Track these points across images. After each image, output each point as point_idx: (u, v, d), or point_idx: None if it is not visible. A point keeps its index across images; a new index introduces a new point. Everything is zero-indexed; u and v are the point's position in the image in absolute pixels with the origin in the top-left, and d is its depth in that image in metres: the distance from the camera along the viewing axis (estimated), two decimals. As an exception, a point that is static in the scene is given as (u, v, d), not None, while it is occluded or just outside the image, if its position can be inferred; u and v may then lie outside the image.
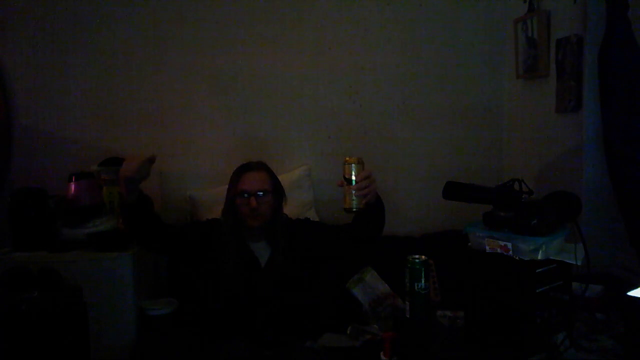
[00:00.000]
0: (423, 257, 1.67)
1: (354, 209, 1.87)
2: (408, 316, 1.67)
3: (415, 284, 1.65)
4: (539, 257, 1.62)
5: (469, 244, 1.77)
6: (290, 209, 2.32)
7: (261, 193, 2.09)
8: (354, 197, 1.85)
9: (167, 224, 2.12)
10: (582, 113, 2.19)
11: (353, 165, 1.86)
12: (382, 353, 1.63)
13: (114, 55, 2.68)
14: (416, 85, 2.82)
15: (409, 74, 2.81)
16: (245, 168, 2.14)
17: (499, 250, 1.67)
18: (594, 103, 2.12)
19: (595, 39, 2.07)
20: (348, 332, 2.03)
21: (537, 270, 1.63)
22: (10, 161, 2.66)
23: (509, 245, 1.64)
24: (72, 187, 2.40)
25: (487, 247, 1.70)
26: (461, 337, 1.80)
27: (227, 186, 2.17)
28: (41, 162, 2.66)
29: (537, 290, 1.63)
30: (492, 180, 1.94)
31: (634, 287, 1.68)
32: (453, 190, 1.79)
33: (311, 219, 2.35)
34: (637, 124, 1.99)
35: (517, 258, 1.63)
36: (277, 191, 2.16)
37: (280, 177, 2.23)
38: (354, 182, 1.85)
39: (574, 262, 1.66)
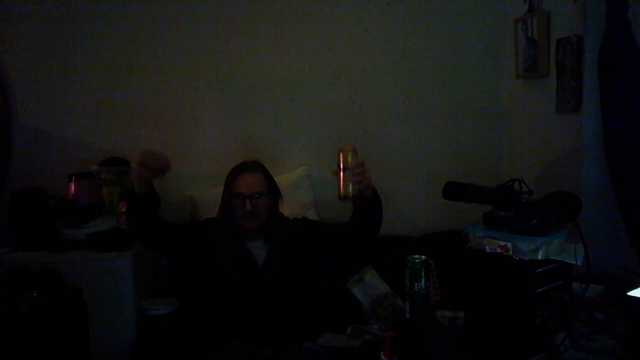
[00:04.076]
0: (423, 257, 1.67)
1: (349, 196, 1.92)
2: (408, 316, 1.67)
3: (415, 284, 1.65)
4: (539, 257, 1.62)
5: (469, 244, 1.77)
6: (290, 209, 2.32)
7: (256, 195, 2.08)
8: (348, 184, 1.90)
9: (167, 223, 2.13)
10: (582, 113, 2.19)
11: (347, 153, 1.92)
12: (382, 353, 1.63)
13: (115, 55, 2.68)
14: (416, 85, 2.82)
15: (409, 74, 2.81)
16: (240, 169, 2.13)
17: (499, 250, 1.67)
18: (594, 103, 2.12)
19: (595, 39, 2.07)
20: (348, 332, 2.03)
21: (537, 270, 1.63)
22: (10, 161, 2.66)
23: (509, 245, 1.64)
24: (72, 187, 2.40)
25: (487, 247, 1.69)
26: (461, 336, 1.80)
27: (226, 186, 2.17)
28: (41, 162, 2.66)
29: (537, 290, 1.63)
30: (492, 180, 1.93)
31: (634, 287, 1.68)
32: (453, 190, 1.79)
33: (309, 218, 2.35)
34: (637, 124, 1.99)
35: (517, 258, 1.63)
36: (273, 192, 2.15)
37: (280, 177, 2.23)
38: (347, 170, 1.90)
39: (574, 262, 1.66)
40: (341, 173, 1.91)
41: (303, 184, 2.71)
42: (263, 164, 2.20)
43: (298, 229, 2.20)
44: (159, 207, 2.07)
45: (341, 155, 1.92)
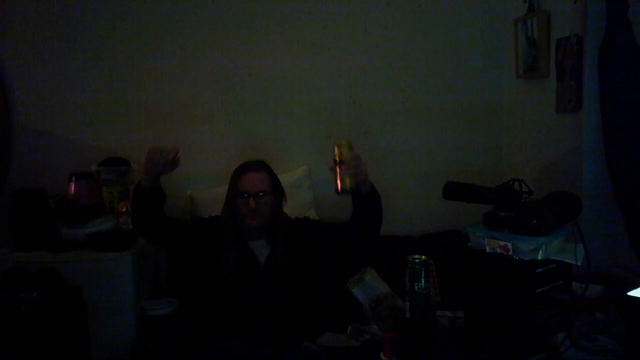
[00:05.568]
0: (423, 257, 1.67)
1: (347, 189, 1.93)
2: (408, 316, 1.67)
3: (415, 284, 1.65)
4: (539, 257, 1.62)
5: (469, 244, 1.77)
6: (290, 209, 2.32)
7: (260, 194, 2.09)
8: (345, 178, 1.92)
9: (171, 218, 2.13)
10: (582, 113, 2.19)
11: (342, 147, 1.94)
12: (382, 353, 1.63)
13: (115, 55, 2.68)
14: (416, 85, 2.82)
15: (408, 73, 2.81)
16: (245, 168, 2.14)
17: (499, 250, 1.67)
18: (594, 103, 2.12)
19: (595, 39, 2.07)
20: (348, 332, 2.03)
21: (537, 270, 1.63)
22: (10, 161, 2.66)
23: (509, 245, 1.64)
24: (72, 187, 2.40)
25: (487, 247, 1.69)
26: (461, 337, 1.80)
27: (227, 186, 2.18)
28: (41, 162, 2.66)
29: (537, 290, 1.63)
30: (492, 180, 1.93)
31: (634, 287, 1.68)
32: (453, 190, 1.79)
33: (311, 218, 2.35)
34: (637, 124, 1.99)
35: (517, 258, 1.63)
36: (277, 191, 2.16)
37: (280, 177, 2.23)
38: (343, 163, 1.92)
39: (574, 262, 1.66)
40: (337, 167, 1.92)
41: (303, 184, 2.72)
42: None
43: (300, 228, 2.21)
44: (164, 202, 2.08)
45: (337, 149, 1.94)
